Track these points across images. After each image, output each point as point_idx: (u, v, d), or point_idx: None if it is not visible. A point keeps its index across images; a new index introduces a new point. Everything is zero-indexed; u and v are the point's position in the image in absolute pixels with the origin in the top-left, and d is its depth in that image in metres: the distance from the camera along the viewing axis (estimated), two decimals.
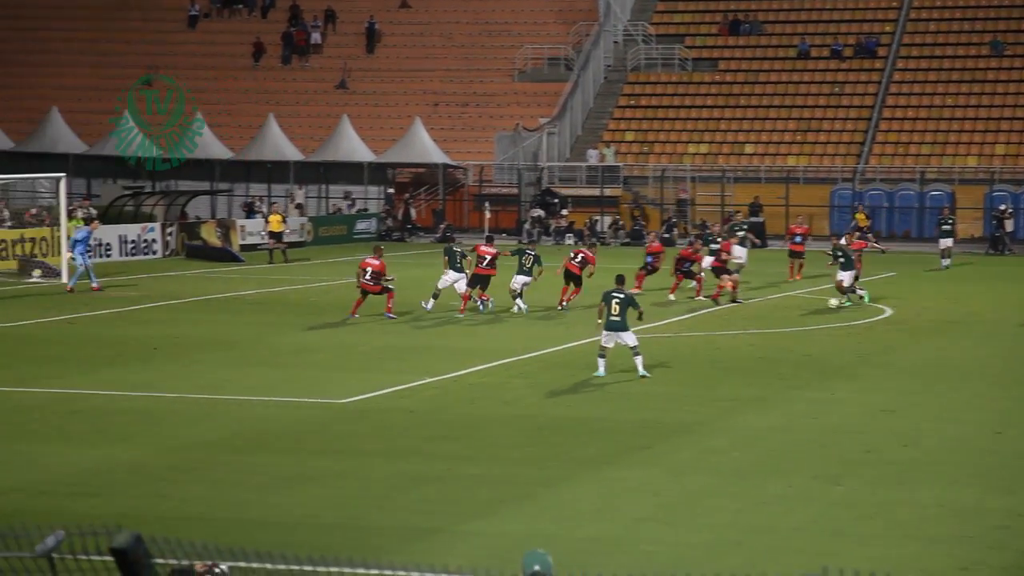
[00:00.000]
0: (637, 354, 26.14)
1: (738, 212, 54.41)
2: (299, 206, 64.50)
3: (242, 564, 8.83)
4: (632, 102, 70.41)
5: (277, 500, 17.55)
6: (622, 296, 26.31)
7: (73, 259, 40.09)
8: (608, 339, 26.22)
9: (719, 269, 38.25)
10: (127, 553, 7.40)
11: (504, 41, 72.93)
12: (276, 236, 50.23)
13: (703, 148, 67.51)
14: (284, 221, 51.61)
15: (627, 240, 61.13)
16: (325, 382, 25.76)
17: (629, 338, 26.22)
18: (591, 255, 37.02)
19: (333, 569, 8.52)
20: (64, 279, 42.78)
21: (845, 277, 37.69)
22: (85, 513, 15.91)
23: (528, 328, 33.40)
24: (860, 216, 54.69)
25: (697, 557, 14.99)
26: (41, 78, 73.66)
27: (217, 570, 9.82)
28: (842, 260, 37.80)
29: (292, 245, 52.89)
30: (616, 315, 26.11)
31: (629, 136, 68.94)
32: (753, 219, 58.26)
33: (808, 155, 66.27)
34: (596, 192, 64.93)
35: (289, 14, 75.80)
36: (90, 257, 40.42)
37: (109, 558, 7.68)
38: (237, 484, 18.38)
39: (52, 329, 32.93)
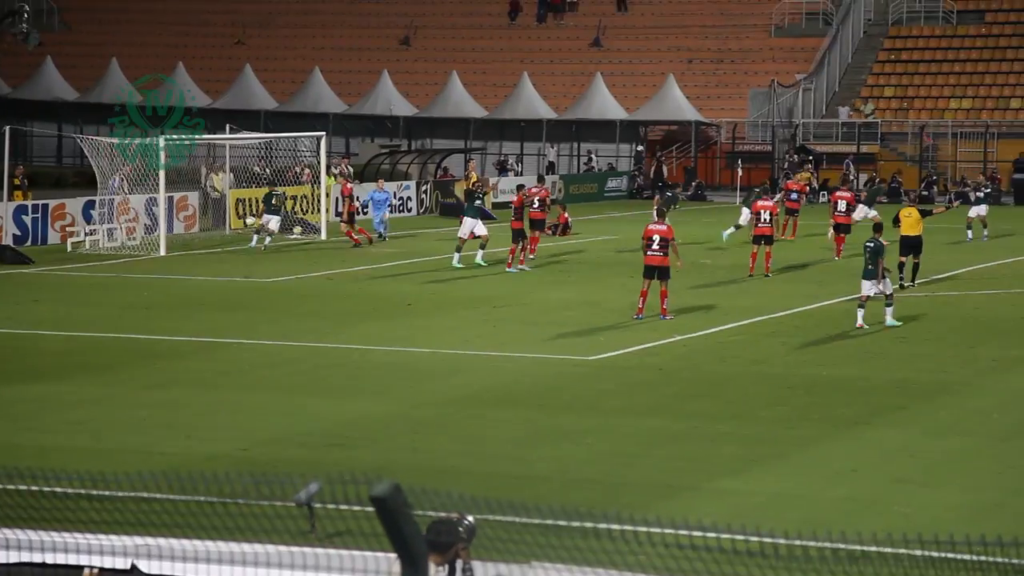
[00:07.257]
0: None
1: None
2: (550, 165, 64.75)
3: (491, 517, 8.88)
4: (892, 56, 68.72)
5: (526, 455, 17.68)
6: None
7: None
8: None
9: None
10: (387, 501, 7.45)
11: None
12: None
13: (966, 103, 65.56)
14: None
15: (883, 199, 59.74)
16: (574, 339, 25.82)
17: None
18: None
19: (575, 524, 8.50)
20: (323, 236, 43.81)
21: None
22: (341, 464, 16.20)
23: (779, 286, 32.94)
24: None
25: (956, 520, 14.55)
26: (304, 39, 75.39)
27: (466, 521, 9.91)
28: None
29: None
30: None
31: (888, 91, 67.34)
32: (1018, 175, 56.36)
33: None
34: (852, 149, 63.77)
35: None
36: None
37: (366, 508, 7.75)
38: (487, 439, 18.58)
39: (311, 285, 33.75)
